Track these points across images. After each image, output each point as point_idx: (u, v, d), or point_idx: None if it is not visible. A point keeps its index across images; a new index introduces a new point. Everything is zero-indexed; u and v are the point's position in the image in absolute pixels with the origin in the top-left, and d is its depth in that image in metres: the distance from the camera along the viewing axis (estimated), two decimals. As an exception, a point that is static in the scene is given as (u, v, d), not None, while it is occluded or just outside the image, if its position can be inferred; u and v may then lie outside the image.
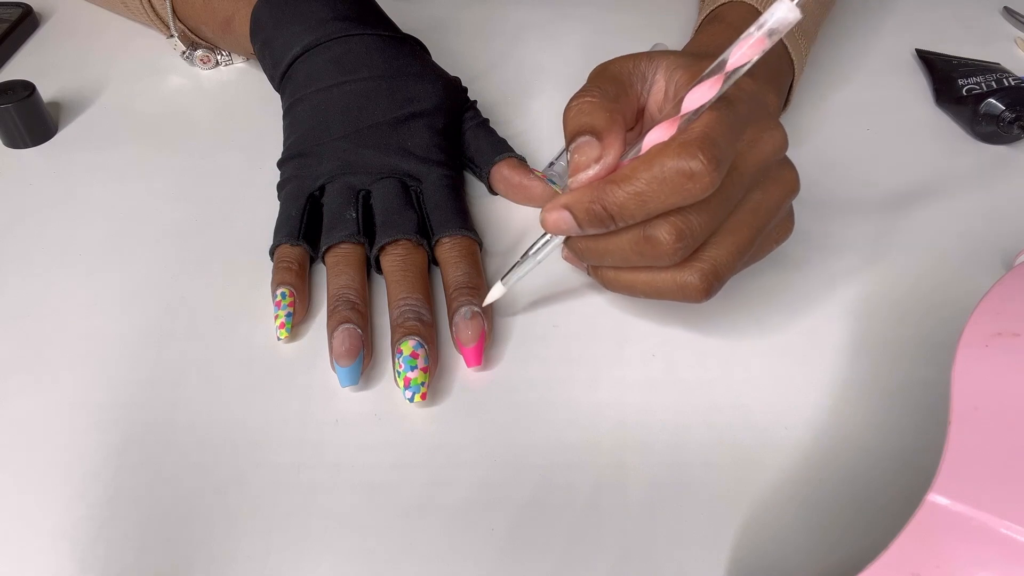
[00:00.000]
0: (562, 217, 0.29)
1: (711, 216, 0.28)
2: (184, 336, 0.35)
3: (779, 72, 0.40)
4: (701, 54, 0.32)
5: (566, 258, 0.36)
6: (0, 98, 0.45)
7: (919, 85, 0.51)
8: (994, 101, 0.44)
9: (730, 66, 0.25)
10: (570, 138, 0.29)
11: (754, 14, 0.40)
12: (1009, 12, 0.57)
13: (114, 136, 0.47)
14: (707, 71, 0.26)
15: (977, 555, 0.21)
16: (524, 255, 0.33)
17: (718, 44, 0.37)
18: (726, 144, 0.27)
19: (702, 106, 0.26)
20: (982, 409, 0.23)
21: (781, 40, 0.40)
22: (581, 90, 0.30)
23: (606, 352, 0.35)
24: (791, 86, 0.43)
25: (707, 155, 0.26)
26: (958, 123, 0.47)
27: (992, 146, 0.46)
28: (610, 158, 0.28)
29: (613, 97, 0.30)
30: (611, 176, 0.28)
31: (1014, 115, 0.44)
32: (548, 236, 0.32)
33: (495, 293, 0.34)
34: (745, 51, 0.25)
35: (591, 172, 0.28)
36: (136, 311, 0.36)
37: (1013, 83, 0.46)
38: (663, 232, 0.28)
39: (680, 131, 0.27)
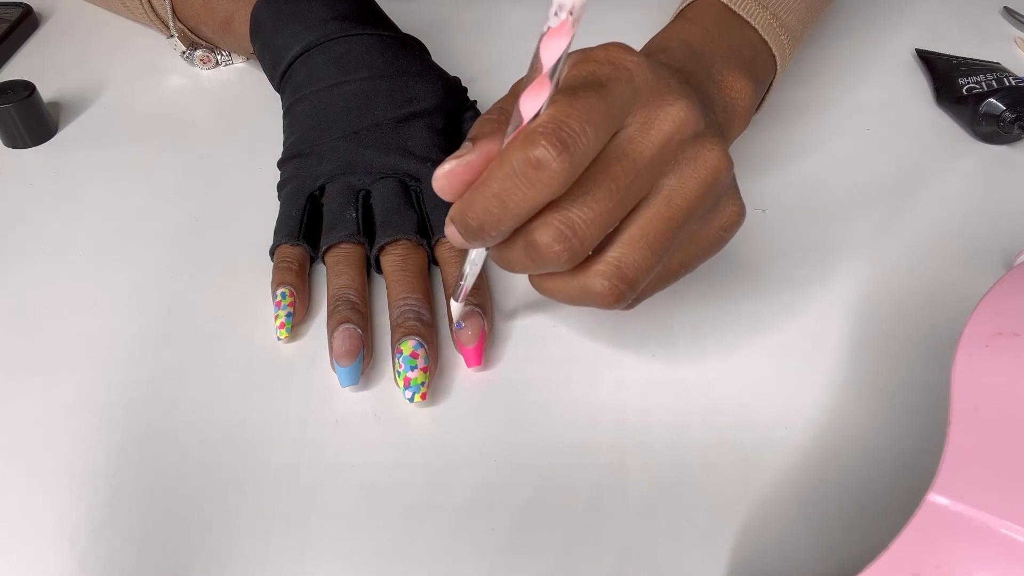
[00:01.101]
0: (451, 232, 0.27)
1: (598, 211, 0.25)
2: (184, 336, 0.35)
3: (750, 58, 0.37)
4: (650, 52, 0.30)
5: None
6: (0, 98, 0.45)
7: (919, 85, 0.51)
8: (995, 101, 0.45)
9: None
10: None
11: (716, 5, 0.37)
12: (1009, 12, 0.57)
13: (114, 136, 0.47)
14: (550, 13, 0.23)
15: (977, 555, 0.21)
16: (467, 270, 0.31)
17: (676, 39, 0.35)
18: (579, 125, 0.24)
19: (560, 57, 0.23)
20: (982, 409, 0.23)
21: (755, 31, 0.37)
22: (486, 114, 0.28)
23: (606, 352, 0.35)
24: (771, 84, 0.40)
25: (551, 139, 0.23)
26: (958, 123, 0.47)
27: (992, 146, 0.46)
28: (472, 156, 0.25)
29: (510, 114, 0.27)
30: (474, 184, 0.25)
31: (1014, 115, 0.44)
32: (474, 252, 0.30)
33: (455, 310, 0.33)
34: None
35: (446, 167, 0.25)
36: (136, 311, 0.36)
37: (1014, 83, 0.46)
38: (541, 235, 0.25)
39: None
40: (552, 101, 0.24)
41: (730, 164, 0.28)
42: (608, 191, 0.25)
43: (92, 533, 0.28)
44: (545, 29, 0.23)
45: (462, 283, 0.32)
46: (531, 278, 0.30)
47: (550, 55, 0.23)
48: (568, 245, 0.25)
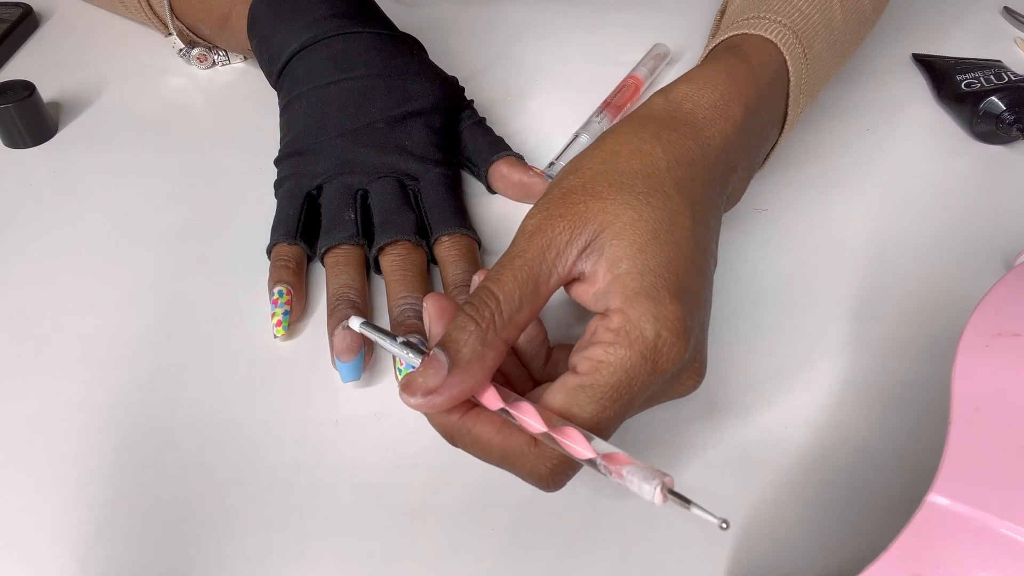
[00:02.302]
0: (417, 410, 0.26)
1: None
2: (184, 336, 0.35)
3: (764, 142, 0.36)
4: (660, 193, 0.27)
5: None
6: (0, 98, 0.45)
7: (919, 85, 0.51)
8: (995, 100, 0.44)
9: (606, 462, 0.23)
10: (437, 342, 0.26)
11: (777, 59, 0.35)
12: (1009, 12, 0.57)
13: (114, 136, 0.47)
14: (593, 443, 0.23)
15: (977, 555, 0.21)
16: (390, 336, 0.28)
17: (731, 93, 0.32)
18: (576, 468, 0.25)
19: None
20: (982, 409, 0.23)
21: (786, 99, 0.36)
22: (480, 293, 0.26)
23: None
24: (777, 141, 0.38)
25: (558, 478, 0.25)
26: (957, 121, 0.47)
27: (992, 146, 0.46)
28: (439, 400, 0.25)
29: (506, 320, 0.26)
30: (475, 419, 0.26)
31: (1014, 116, 0.43)
32: (408, 353, 0.28)
33: (354, 323, 0.29)
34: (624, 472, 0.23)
35: (413, 401, 0.25)
36: (136, 311, 0.36)
37: (1014, 79, 0.46)
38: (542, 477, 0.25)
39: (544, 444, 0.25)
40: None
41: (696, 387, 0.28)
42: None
43: (92, 533, 0.28)
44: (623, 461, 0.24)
45: (385, 341, 0.29)
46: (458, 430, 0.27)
47: (570, 448, 0.24)
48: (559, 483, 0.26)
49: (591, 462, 0.23)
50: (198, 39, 0.51)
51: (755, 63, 0.34)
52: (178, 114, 0.49)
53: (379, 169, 0.39)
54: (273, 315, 0.34)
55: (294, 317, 0.35)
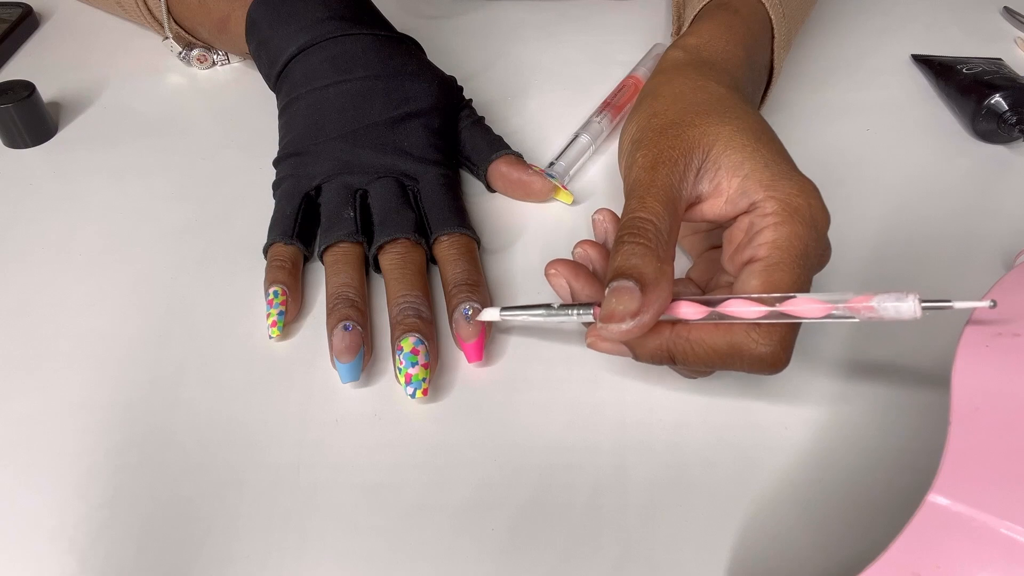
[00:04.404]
0: (619, 349, 0.29)
1: None
2: (184, 336, 0.35)
3: (757, 88, 0.41)
4: (739, 108, 0.31)
5: (591, 345, 0.31)
6: (0, 98, 0.45)
7: (919, 85, 0.51)
8: (1000, 99, 0.44)
9: (848, 305, 0.25)
10: (612, 276, 0.27)
11: (760, 10, 0.40)
12: (1009, 12, 0.57)
13: (114, 136, 0.47)
14: (822, 296, 0.26)
15: (977, 555, 0.21)
16: (542, 307, 0.31)
17: (734, 40, 0.37)
18: (796, 335, 0.27)
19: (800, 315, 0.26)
20: (982, 409, 0.23)
21: (771, 48, 0.41)
22: (633, 222, 0.28)
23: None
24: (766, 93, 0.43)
25: (787, 352, 0.27)
26: (958, 117, 0.47)
27: (992, 146, 0.46)
28: (647, 318, 0.27)
29: (666, 238, 0.28)
30: (688, 328, 0.28)
31: (1016, 117, 0.43)
32: (576, 312, 0.30)
33: (489, 315, 0.32)
34: (864, 305, 0.25)
35: (624, 327, 0.27)
36: (136, 311, 0.36)
37: (1018, 78, 0.46)
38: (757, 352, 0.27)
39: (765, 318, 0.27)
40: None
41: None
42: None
43: (92, 533, 0.28)
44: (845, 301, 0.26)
45: (525, 314, 0.31)
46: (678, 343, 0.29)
47: (800, 311, 0.26)
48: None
49: (829, 316, 0.26)
50: (196, 41, 0.51)
51: (744, 14, 0.39)
52: (178, 114, 0.49)
53: (378, 170, 0.39)
54: (268, 315, 0.34)
55: (289, 318, 0.35)
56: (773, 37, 0.40)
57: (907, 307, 0.24)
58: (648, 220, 0.28)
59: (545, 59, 0.53)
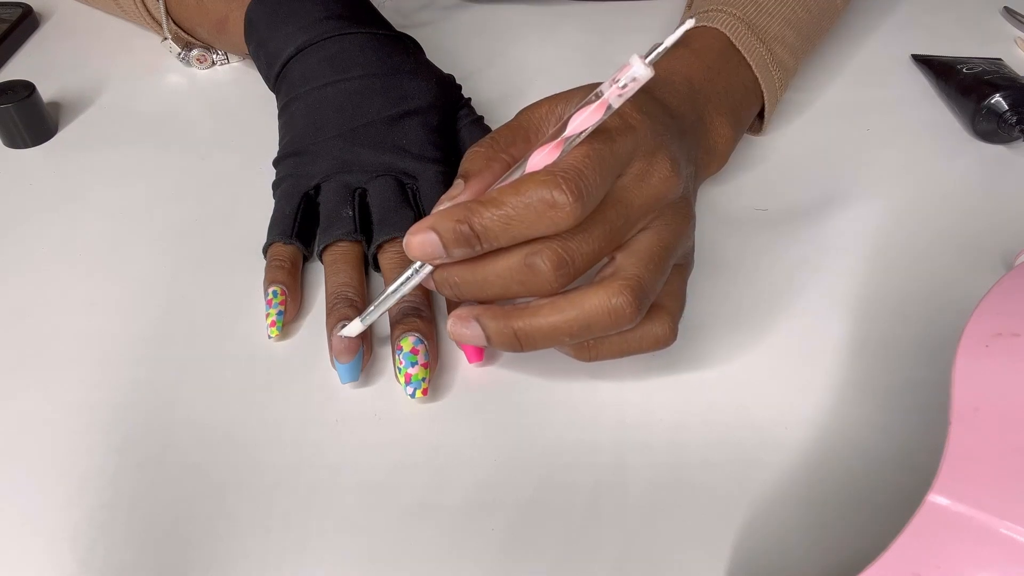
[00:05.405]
0: (427, 239, 0.28)
1: (593, 247, 0.28)
2: (184, 336, 0.35)
3: (739, 103, 0.40)
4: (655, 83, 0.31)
5: (451, 332, 0.31)
6: (0, 98, 0.45)
7: (919, 85, 0.51)
8: (1000, 99, 0.44)
9: (606, 97, 0.26)
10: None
11: (721, 39, 0.41)
12: (1009, 12, 0.57)
13: (114, 136, 0.47)
14: (591, 96, 0.26)
15: (977, 555, 0.21)
16: (388, 291, 0.31)
17: (680, 73, 0.38)
18: (594, 177, 0.27)
19: (583, 131, 0.27)
20: (982, 409, 0.23)
21: (750, 68, 0.41)
22: (480, 140, 0.31)
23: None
24: (764, 114, 0.43)
25: (571, 187, 0.26)
26: (958, 117, 0.47)
27: (992, 146, 0.46)
28: (466, 195, 0.29)
29: (503, 146, 0.30)
30: (480, 198, 0.28)
31: (1016, 117, 0.43)
32: (412, 270, 0.30)
33: (354, 329, 0.32)
34: (613, 88, 0.25)
35: (443, 206, 0.29)
36: (136, 311, 0.36)
37: (1018, 78, 0.46)
38: (543, 260, 0.28)
39: (558, 157, 0.27)
40: (581, 141, 0.27)
41: (692, 226, 0.32)
42: (604, 230, 0.28)
43: (92, 533, 0.28)
44: (591, 102, 0.26)
45: (381, 305, 0.31)
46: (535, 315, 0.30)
47: (577, 126, 0.27)
48: (564, 272, 0.28)
49: (609, 108, 0.26)
50: (195, 42, 0.51)
51: (696, 47, 0.40)
52: (177, 114, 0.49)
53: (377, 168, 0.39)
54: (267, 315, 0.34)
55: (288, 317, 0.35)
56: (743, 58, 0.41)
57: (637, 70, 0.24)
58: (484, 140, 0.30)
59: (541, 58, 0.53)
